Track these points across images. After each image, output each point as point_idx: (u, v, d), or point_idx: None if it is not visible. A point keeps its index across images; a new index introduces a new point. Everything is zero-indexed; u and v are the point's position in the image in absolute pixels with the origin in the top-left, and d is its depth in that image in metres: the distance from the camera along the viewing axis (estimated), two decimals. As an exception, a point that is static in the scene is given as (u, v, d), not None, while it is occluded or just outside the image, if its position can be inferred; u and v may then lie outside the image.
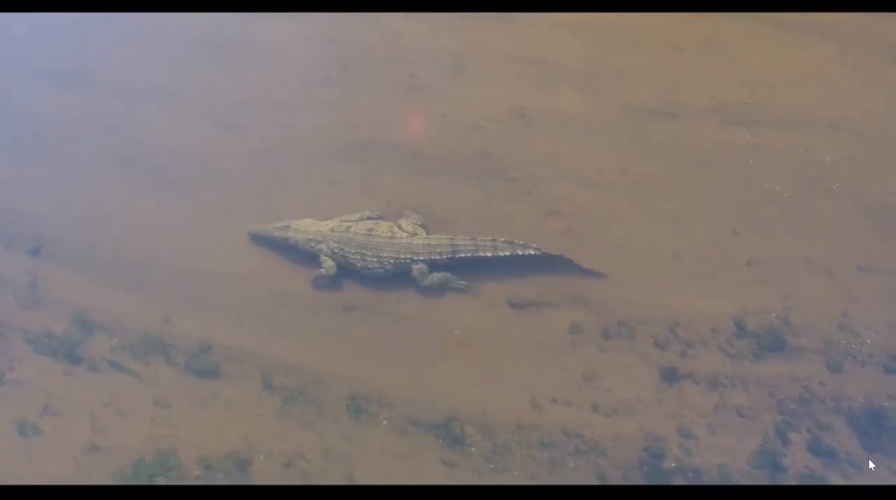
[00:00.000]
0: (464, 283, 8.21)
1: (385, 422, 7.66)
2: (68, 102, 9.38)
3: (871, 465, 7.10)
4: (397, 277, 8.17)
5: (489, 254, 7.98)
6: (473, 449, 7.50)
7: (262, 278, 8.41)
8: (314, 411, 7.84)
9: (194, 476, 7.54)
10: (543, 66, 9.02)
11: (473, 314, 8.06)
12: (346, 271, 8.24)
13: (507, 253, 8.01)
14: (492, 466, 7.41)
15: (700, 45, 8.91)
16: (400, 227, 8.24)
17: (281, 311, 8.17)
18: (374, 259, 8.03)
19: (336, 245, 8.15)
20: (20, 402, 7.94)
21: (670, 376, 7.55)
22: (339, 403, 7.83)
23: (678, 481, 7.21)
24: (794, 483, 7.11)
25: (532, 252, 7.99)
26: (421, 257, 8.01)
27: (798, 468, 7.12)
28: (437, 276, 8.11)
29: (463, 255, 8.01)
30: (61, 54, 9.60)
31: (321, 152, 8.93)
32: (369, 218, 8.43)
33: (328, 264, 8.20)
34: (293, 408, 7.83)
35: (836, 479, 6.99)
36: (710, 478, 7.16)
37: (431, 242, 8.05)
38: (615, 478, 7.26)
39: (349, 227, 8.23)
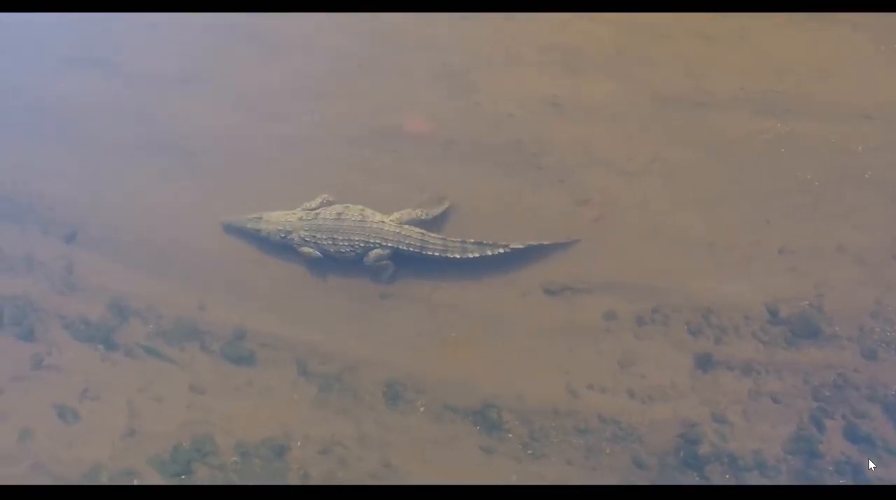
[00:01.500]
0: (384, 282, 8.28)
1: (422, 409, 7.68)
2: (98, 89, 9.35)
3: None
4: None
5: (457, 256, 8.05)
6: (511, 435, 7.55)
7: (297, 264, 8.36)
8: (350, 398, 7.89)
9: (231, 463, 7.57)
10: (573, 55, 9.03)
11: (508, 301, 8.05)
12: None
13: (477, 255, 8.06)
14: (529, 452, 7.47)
15: (730, 34, 8.92)
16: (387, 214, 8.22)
17: (316, 298, 8.24)
18: (346, 243, 8.12)
19: (307, 233, 8.21)
20: (59, 387, 7.97)
21: (704, 362, 7.60)
22: (376, 389, 7.87)
23: (714, 466, 7.36)
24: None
25: (502, 251, 8.03)
26: (389, 243, 8.05)
27: (834, 455, 7.20)
28: (385, 263, 8.14)
29: (430, 252, 8.06)
30: (91, 42, 9.54)
31: (352, 139, 8.93)
32: (329, 202, 8.46)
33: (307, 252, 8.27)
34: (329, 395, 7.86)
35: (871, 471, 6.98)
36: (746, 464, 7.23)
37: (403, 232, 8.07)
38: (651, 464, 7.36)
39: (318, 213, 8.26)
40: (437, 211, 8.35)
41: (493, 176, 8.55)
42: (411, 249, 7.99)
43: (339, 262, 8.26)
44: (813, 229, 8.05)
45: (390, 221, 8.10)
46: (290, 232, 8.20)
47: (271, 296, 8.33)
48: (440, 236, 8.07)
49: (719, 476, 7.29)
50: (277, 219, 8.33)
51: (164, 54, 9.47)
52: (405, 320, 8.13)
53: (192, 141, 9.09)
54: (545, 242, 8.13)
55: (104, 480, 7.60)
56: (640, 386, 7.67)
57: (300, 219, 8.23)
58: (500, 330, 8.04)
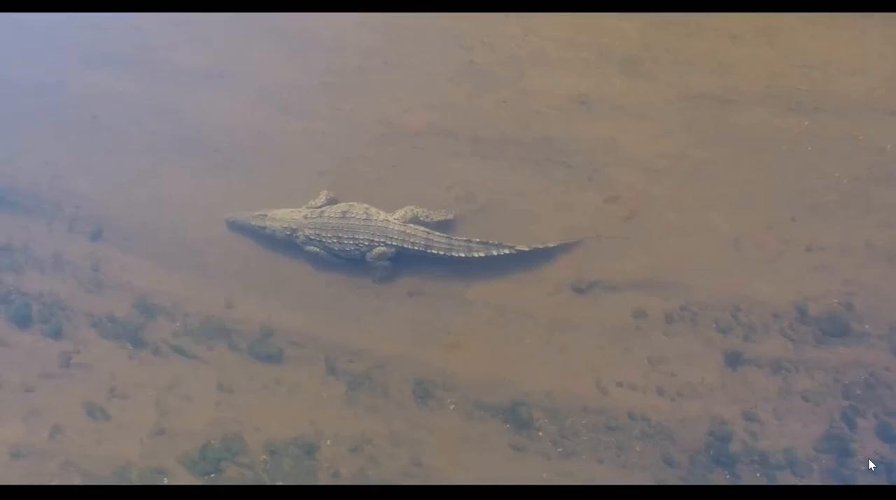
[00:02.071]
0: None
1: (452, 407, 7.69)
2: (124, 86, 9.29)
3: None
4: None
5: (462, 254, 8.03)
6: (541, 433, 7.58)
7: (325, 262, 8.31)
8: (380, 396, 7.91)
9: (261, 462, 7.57)
10: (600, 53, 9.02)
11: (538, 298, 8.06)
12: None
13: (482, 254, 8.05)
14: (559, 450, 7.50)
15: (756, 32, 8.91)
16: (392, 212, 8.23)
17: (344, 296, 8.23)
18: (351, 241, 8.11)
19: (312, 232, 8.20)
20: (87, 385, 7.98)
21: (734, 360, 7.63)
22: (405, 387, 7.89)
23: (745, 465, 7.38)
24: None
25: (507, 252, 8.03)
26: (394, 243, 8.03)
27: (867, 453, 7.22)
28: (386, 263, 8.13)
29: (435, 251, 8.04)
30: (116, 39, 9.49)
31: (380, 136, 8.91)
32: (332, 200, 8.48)
33: (312, 250, 8.28)
34: (359, 393, 7.88)
35: None
36: (777, 461, 7.25)
37: (407, 231, 8.06)
38: (682, 462, 7.38)
39: (323, 211, 8.24)
40: (438, 217, 8.34)
41: (520, 173, 8.56)
42: (416, 247, 8.02)
43: (345, 260, 8.19)
44: (841, 227, 8.05)
45: (394, 219, 8.02)
46: (295, 230, 8.23)
47: (299, 294, 8.32)
48: (445, 235, 8.07)
49: (750, 475, 7.22)
50: (282, 217, 8.34)
51: (190, 51, 9.45)
52: (434, 317, 8.13)
53: (219, 138, 9.06)
54: (550, 245, 8.12)
55: (134, 478, 7.55)
56: (670, 383, 7.68)
57: (305, 217, 8.25)
58: (529, 327, 8.05)
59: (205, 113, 9.13)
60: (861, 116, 8.43)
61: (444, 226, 8.24)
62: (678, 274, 8.06)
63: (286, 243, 8.34)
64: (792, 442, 7.35)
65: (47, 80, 9.36)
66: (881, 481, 7.15)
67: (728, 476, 7.31)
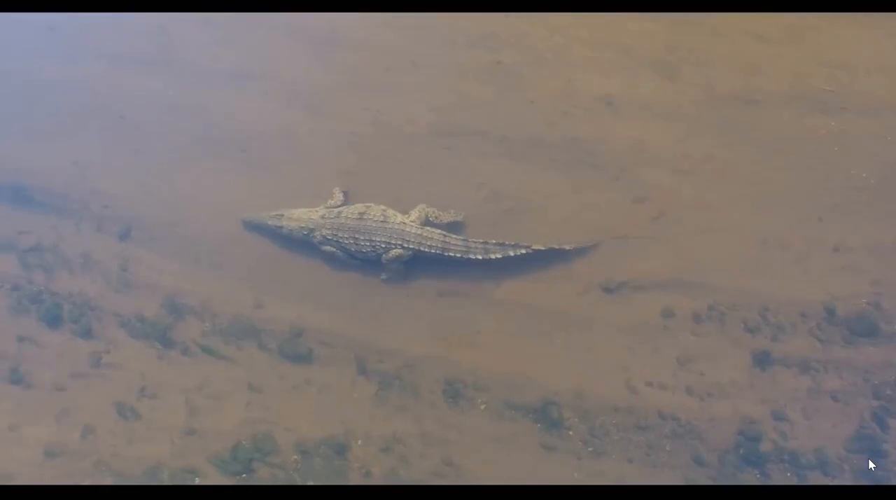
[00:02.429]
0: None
1: (482, 406, 7.71)
2: (152, 86, 9.29)
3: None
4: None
5: (480, 257, 8.06)
6: (571, 433, 7.61)
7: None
8: (410, 396, 7.93)
9: (292, 462, 7.59)
10: (626, 53, 9.05)
11: (567, 298, 8.10)
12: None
13: (499, 256, 8.07)
14: (590, 449, 7.53)
15: (782, 32, 8.94)
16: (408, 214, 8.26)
17: (374, 296, 8.25)
18: (367, 243, 8.13)
19: (329, 232, 8.21)
20: (117, 385, 7.99)
21: (762, 360, 7.66)
22: (436, 387, 7.90)
23: (775, 464, 7.42)
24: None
25: (524, 252, 8.05)
26: (411, 245, 8.07)
27: (900, 453, 7.14)
28: (399, 266, 8.19)
29: (452, 254, 8.07)
30: (145, 39, 9.48)
31: (408, 136, 8.93)
32: (345, 196, 8.52)
33: (329, 250, 8.28)
34: (389, 393, 7.90)
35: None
36: (808, 461, 7.28)
37: (424, 234, 8.09)
38: (712, 461, 7.41)
39: (340, 212, 8.26)
40: (448, 218, 8.38)
41: (548, 173, 8.59)
42: (433, 250, 8.04)
43: (361, 261, 8.21)
44: (868, 227, 8.09)
45: (411, 221, 8.08)
46: (312, 230, 8.25)
47: (328, 293, 8.34)
48: (461, 238, 8.10)
49: (781, 475, 7.25)
50: (299, 216, 8.36)
51: (218, 51, 9.44)
52: (464, 317, 8.16)
53: (246, 138, 9.07)
54: (566, 247, 8.17)
55: (165, 478, 7.57)
56: (699, 383, 7.73)
57: (322, 217, 8.26)
58: (558, 327, 8.08)
59: (232, 113, 9.11)
60: (888, 115, 8.47)
61: (454, 227, 8.35)
62: (706, 274, 8.10)
63: (303, 243, 8.34)
64: (822, 442, 7.39)
65: (75, 80, 9.34)
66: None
67: (758, 476, 7.33)
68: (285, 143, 8.88)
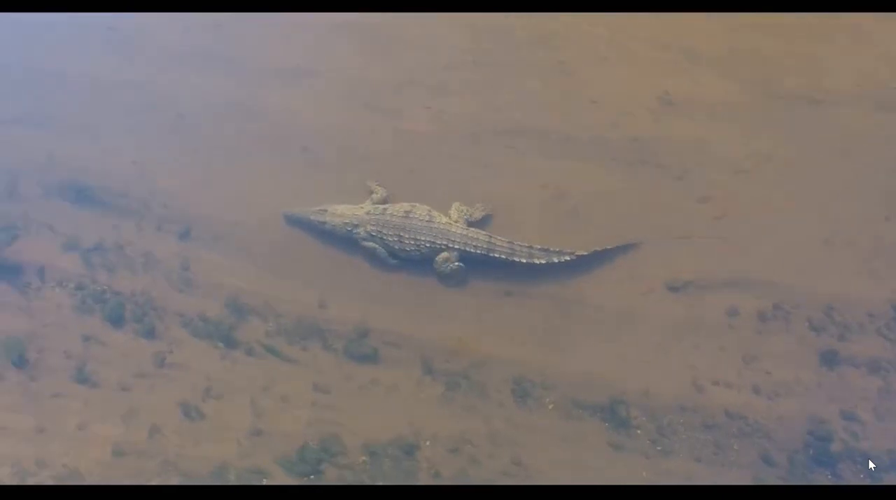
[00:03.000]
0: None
1: (550, 406, 7.68)
2: (212, 84, 9.25)
3: (871, 465, 7.16)
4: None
5: (524, 260, 8.09)
6: (639, 431, 7.60)
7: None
8: (478, 396, 7.90)
9: (361, 463, 7.52)
10: (687, 53, 9.06)
11: (632, 297, 8.12)
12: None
13: (543, 261, 8.09)
14: (658, 448, 7.52)
15: (843, 30, 8.95)
16: (448, 214, 8.32)
17: (439, 295, 8.23)
18: (412, 242, 8.12)
19: (374, 228, 8.19)
20: (182, 385, 7.92)
21: (830, 359, 7.66)
22: (504, 387, 7.88)
23: (847, 465, 7.40)
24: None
25: (568, 258, 8.08)
26: (456, 246, 8.07)
27: (975, 454, 7.13)
28: (457, 265, 8.16)
29: (497, 255, 8.10)
30: (204, 37, 9.44)
31: (469, 135, 8.90)
32: (385, 198, 8.49)
33: (370, 246, 8.27)
34: (456, 393, 7.87)
35: None
36: (881, 463, 7.20)
37: (469, 234, 8.11)
38: (781, 461, 7.38)
39: (385, 209, 8.26)
40: (479, 213, 8.47)
41: (611, 173, 8.60)
42: (478, 251, 8.08)
43: (402, 260, 8.17)
44: (936, 227, 7.94)
45: (455, 222, 8.16)
46: (356, 226, 8.20)
47: (392, 293, 8.30)
48: (507, 239, 8.13)
49: (853, 476, 7.20)
50: (343, 212, 8.34)
51: (277, 49, 9.39)
52: (531, 316, 8.13)
53: (307, 136, 9.03)
54: (609, 247, 8.20)
55: (232, 479, 7.50)
56: (766, 382, 7.74)
57: (367, 213, 8.25)
58: (625, 326, 8.08)
59: (292, 111, 9.08)
60: (956, 113, 8.32)
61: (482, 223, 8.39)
62: (770, 273, 8.13)
63: (343, 239, 8.37)
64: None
65: (134, 79, 9.28)
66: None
67: (830, 477, 7.23)
68: (346, 141, 8.84)
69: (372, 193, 8.50)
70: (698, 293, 8.02)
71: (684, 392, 7.72)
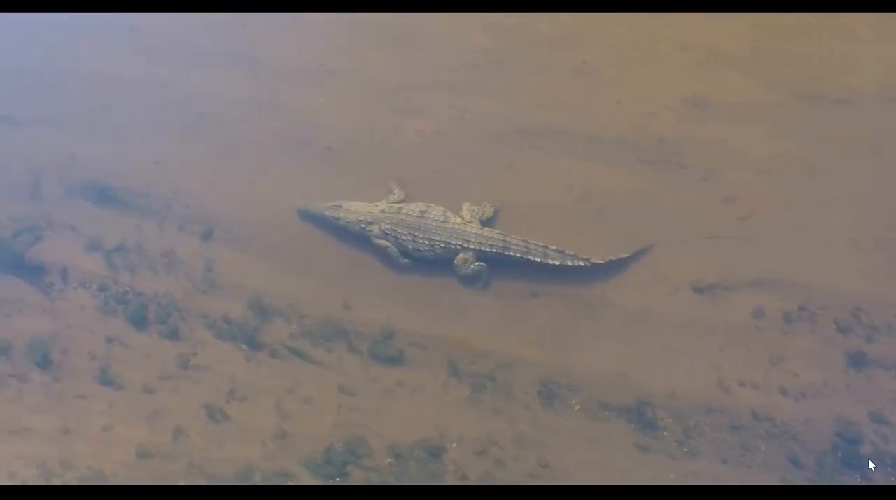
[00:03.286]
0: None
1: (577, 407, 7.66)
2: (234, 84, 9.21)
3: (872, 465, 7.13)
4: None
5: (538, 259, 8.06)
6: (666, 433, 7.57)
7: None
8: (504, 398, 7.87)
9: (387, 465, 7.49)
10: (712, 53, 9.03)
11: (658, 298, 8.09)
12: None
13: (557, 262, 8.07)
14: (685, 450, 7.50)
15: (870, 30, 8.90)
16: (461, 215, 8.29)
17: (464, 297, 8.19)
18: (426, 242, 8.10)
19: (388, 226, 8.15)
20: (206, 387, 7.89)
21: (858, 360, 7.63)
22: (530, 388, 7.85)
23: (877, 467, 7.35)
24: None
25: (582, 264, 8.07)
26: (471, 246, 8.06)
27: None
28: (479, 265, 8.11)
29: (512, 253, 8.08)
30: (225, 37, 9.40)
31: (494, 135, 8.86)
32: (402, 200, 8.46)
33: (383, 245, 8.22)
34: (482, 395, 7.84)
35: None
36: (910, 463, 7.13)
37: (484, 234, 8.09)
38: (809, 463, 7.35)
39: (400, 208, 8.24)
40: (489, 211, 8.45)
41: (637, 174, 8.59)
42: (494, 250, 8.06)
43: (414, 259, 8.16)
44: (965, 228, 7.91)
45: (469, 221, 8.15)
46: (370, 223, 8.19)
47: (418, 294, 8.26)
48: (522, 238, 8.10)
49: (884, 479, 7.15)
50: (358, 209, 8.31)
51: (299, 49, 9.35)
52: (556, 318, 8.11)
53: (330, 136, 9.00)
54: (623, 255, 8.18)
55: (258, 480, 7.48)
56: (793, 383, 7.70)
57: (382, 211, 8.24)
58: (651, 327, 8.03)
59: (315, 111, 9.03)
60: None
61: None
62: (796, 274, 8.11)
63: (355, 236, 8.35)
64: (926, 447, 7.20)
65: (156, 78, 9.23)
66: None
67: (859, 479, 7.20)
68: (370, 141, 8.82)
69: (390, 192, 8.28)
70: (724, 294, 7.99)
71: (711, 393, 7.70)
